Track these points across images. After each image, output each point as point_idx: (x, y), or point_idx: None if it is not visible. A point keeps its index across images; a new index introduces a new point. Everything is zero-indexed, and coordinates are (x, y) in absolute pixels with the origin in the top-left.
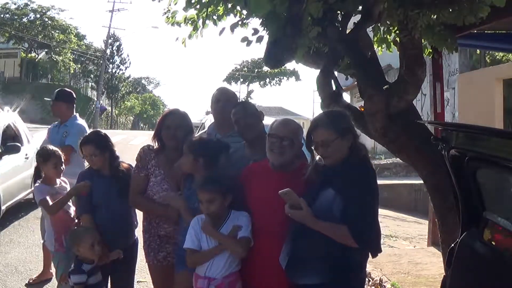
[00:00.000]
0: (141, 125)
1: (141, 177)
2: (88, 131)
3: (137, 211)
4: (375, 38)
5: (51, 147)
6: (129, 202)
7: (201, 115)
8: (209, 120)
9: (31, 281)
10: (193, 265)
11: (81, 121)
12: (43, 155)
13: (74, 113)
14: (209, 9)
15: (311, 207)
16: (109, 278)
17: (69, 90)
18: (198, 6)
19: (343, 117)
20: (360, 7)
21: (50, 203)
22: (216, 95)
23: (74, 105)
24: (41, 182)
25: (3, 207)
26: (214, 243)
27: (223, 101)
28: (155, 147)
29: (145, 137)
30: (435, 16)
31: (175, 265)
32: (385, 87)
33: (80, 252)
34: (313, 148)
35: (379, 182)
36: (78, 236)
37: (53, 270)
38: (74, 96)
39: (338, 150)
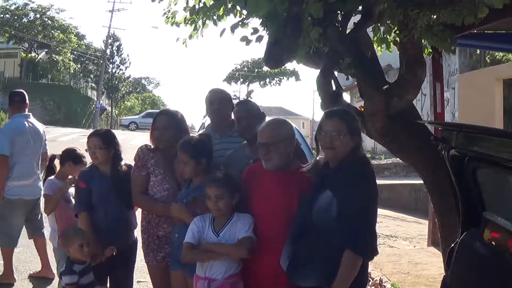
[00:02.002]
0: None
1: (142, 176)
2: (25, 127)
3: (136, 212)
4: (375, 38)
5: (81, 151)
6: (132, 202)
7: (201, 115)
8: (209, 120)
9: (31, 272)
10: (188, 261)
11: (15, 119)
12: (76, 158)
13: (24, 113)
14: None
15: (311, 208)
16: (109, 278)
17: (17, 90)
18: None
19: (356, 118)
20: (360, 7)
21: None
22: (209, 97)
23: (20, 104)
24: (55, 177)
25: None
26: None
27: (218, 102)
28: (152, 147)
29: (145, 137)
30: (435, 16)
31: (170, 263)
32: (385, 87)
33: (70, 253)
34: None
35: (379, 182)
36: (66, 237)
37: (54, 268)
38: (18, 94)
39: (344, 146)
